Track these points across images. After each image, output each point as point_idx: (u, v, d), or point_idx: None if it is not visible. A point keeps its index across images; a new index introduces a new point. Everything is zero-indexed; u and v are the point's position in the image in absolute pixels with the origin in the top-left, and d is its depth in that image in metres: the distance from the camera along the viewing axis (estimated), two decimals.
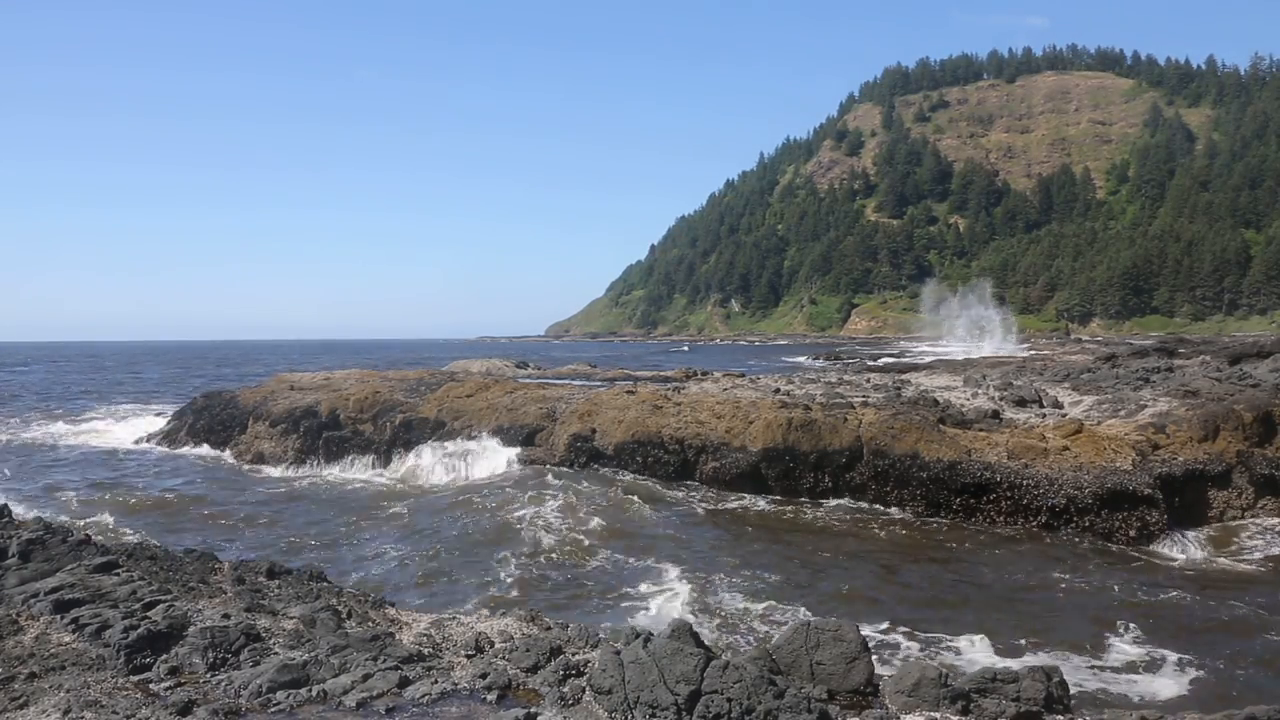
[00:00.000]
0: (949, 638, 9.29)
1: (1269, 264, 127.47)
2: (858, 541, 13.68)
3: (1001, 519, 14.95)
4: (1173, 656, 8.79)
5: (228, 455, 22.84)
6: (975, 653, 8.87)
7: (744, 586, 11.08)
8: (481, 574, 11.62)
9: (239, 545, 13.48)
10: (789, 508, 15.77)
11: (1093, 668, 8.60)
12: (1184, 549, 13.47)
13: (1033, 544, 13.62)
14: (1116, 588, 11.33)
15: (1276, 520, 14.76)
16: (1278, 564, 12.71)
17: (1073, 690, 7.73)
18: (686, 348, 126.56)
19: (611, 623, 9.02)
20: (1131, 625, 9.64)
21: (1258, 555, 13.19)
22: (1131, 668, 8.60)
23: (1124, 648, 9.09)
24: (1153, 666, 8.60)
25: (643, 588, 11.06)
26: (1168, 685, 8.17)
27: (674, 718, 5.22)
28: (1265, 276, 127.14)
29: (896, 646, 9.12)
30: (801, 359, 76.80)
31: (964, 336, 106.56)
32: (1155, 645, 9.13)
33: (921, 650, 8.96)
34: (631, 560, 12.30)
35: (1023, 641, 9.23)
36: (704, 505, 15.88)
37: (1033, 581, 11.65)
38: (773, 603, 10.44)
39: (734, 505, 15.96)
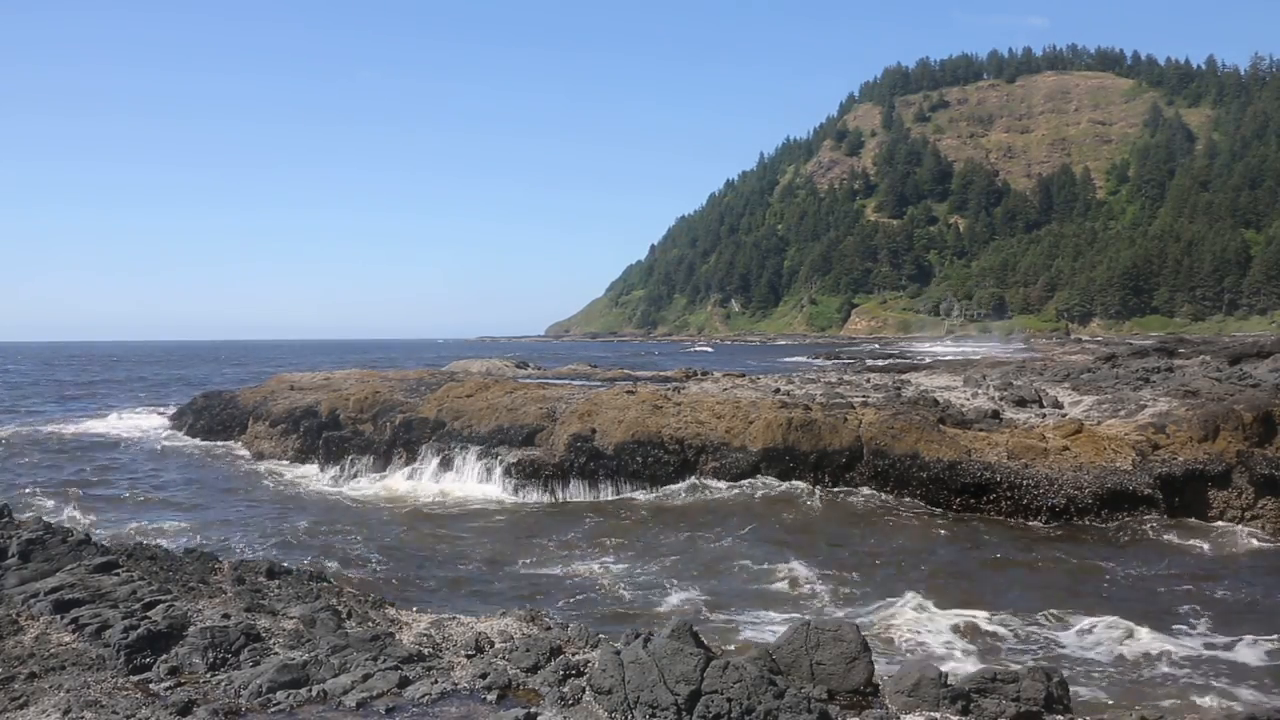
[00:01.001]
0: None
1: (1269, 264, 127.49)
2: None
3: (1003, 519, 14.95)
4: (1246, 636, 8.96)
5: (233, 445, 22.84)
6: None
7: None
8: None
9: (236, 544, 13.46)
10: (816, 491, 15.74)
11: (1172, 642, 8.83)
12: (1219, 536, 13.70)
13: (1070, 534, 13.83)
14: (1171, 571, 11.68)
15: None
16: None
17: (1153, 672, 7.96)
18: (711, 349, 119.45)
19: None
20: (1195, 606, 9.97)
21: None
22: (1210, 645, 8.85)
23: (1195, 626, 9.40)
24: (1229, 645, 8.83)
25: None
26: (1248, 658, 8.38)
27: (674, 718, 5.22)
28: (1265, 276, 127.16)
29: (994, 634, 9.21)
30: (800, 358, 76.81)
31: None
32: (1225, 625, 9.37)
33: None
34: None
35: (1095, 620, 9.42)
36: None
37: (1087, 566, 11.88)
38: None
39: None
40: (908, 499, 15.70)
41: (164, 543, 10.34)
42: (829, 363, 64.48)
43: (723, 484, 16.78)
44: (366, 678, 5.71)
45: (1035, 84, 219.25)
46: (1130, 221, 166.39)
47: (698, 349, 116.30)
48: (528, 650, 6.30)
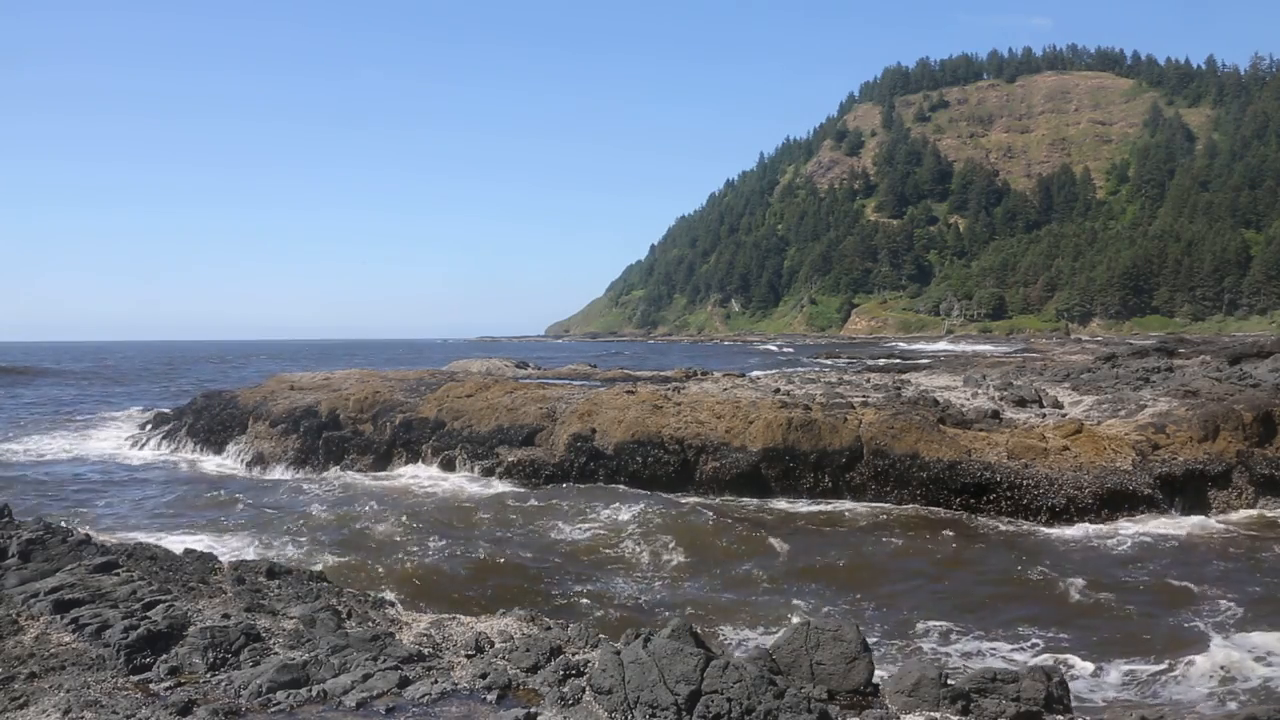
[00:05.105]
0: None
1: (1269, 264, 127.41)
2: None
3: (1003, 519, 14.95)
4: None
5: (228, 460, 22.69)
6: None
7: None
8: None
9: (237, 545, 13.46)
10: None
11: None
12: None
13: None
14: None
15: None
16: None
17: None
18: (791, 349, 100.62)
19: None
20: None
21: None
22: None
23: None
24: None
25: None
26: None
27: (674, 718, 5.22)
28: (1265, 276, 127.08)
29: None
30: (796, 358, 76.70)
31: None
32: None
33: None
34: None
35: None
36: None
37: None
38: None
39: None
40: None
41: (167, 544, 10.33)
42: (829, 362, 64.37)
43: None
44: (366, 678, 5.71)
45: (1035, 84, 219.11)
46: (1130, 221, 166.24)
47: (773, 347, 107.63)
48: (528, 650, 6.30)
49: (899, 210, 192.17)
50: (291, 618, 6.95)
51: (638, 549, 12.81)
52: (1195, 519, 14.50)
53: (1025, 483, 15.13)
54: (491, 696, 5.64)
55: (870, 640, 7.30)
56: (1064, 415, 18.67)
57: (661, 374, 30.91)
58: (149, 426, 27.52)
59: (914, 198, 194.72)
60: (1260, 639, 9.01)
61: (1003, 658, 8.77)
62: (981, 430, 16.95)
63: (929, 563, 12.31)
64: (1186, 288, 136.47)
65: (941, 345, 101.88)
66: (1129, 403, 18.59)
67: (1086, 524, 14.20)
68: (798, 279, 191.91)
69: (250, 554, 11.88)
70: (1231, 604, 10.25)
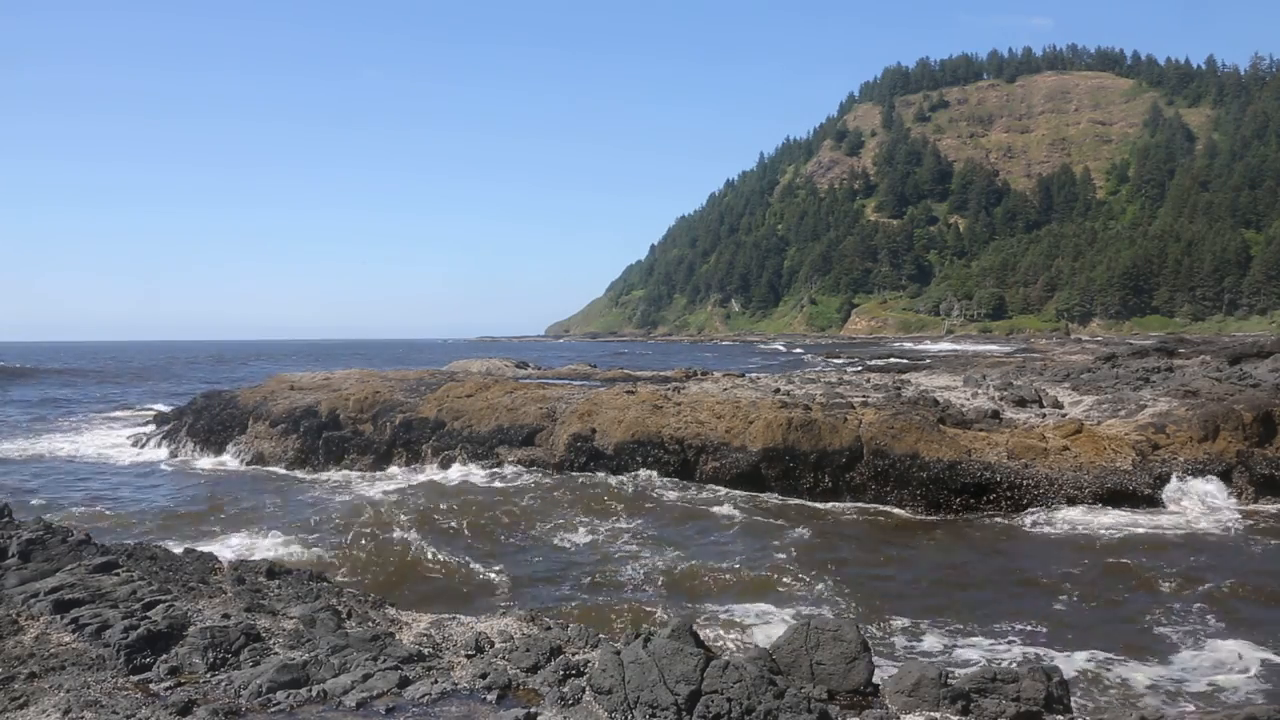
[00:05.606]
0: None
1: (1269, 264, 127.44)
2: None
3: (1003, 519, 14.94)
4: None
5: (228, 460, 22.70)
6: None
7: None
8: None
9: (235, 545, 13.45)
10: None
11: None
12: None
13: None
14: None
15: None
16: None
17: None
18: (799, 349, 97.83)
19: None
20: None
21: None
22: None
23: None
24: None
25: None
26: None
27: (674, 718, 5.22)
28: (1265, 276, 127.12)
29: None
30: (793, 357, 76.62)
31: None
32: None
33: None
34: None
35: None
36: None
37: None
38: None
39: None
40: None
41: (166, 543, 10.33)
42: (837, 361, 64.26)
43: None
44: (366, 678, 5.71)
45: (1035, 84, 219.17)
46: (1130, 221, 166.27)
47: (780, 346, 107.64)
48: (528, 650, 6.30)
49: (899, 210, 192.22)
50: (291, 618, 6.95)
51: (638, 548, 12.81)
52: (1196, 519, 14.49)
53: (1025, 483, 15.13)
54: (491, 696, 5.64)
55: (869, 639, 7.31)
56: (1064, 415, 18.67)
57: (661, 374, 30.90)
58: (149, 426, 27.51)
59: (914, 198, 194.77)
60: (1254, 638, 9.01)
61: (984, 652, 8.78)
62: (981, 430, 16.96)
63: (929, 562, 12.32)
64: (1186, 288, 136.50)
65: (943, 345, 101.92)
66: (1129, 403, 18.60)
67: (1086, 524, 14.19)
68: (798, 279, 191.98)
69: (250, 554, 11.88)
70: (1231, 604, 10.26)
